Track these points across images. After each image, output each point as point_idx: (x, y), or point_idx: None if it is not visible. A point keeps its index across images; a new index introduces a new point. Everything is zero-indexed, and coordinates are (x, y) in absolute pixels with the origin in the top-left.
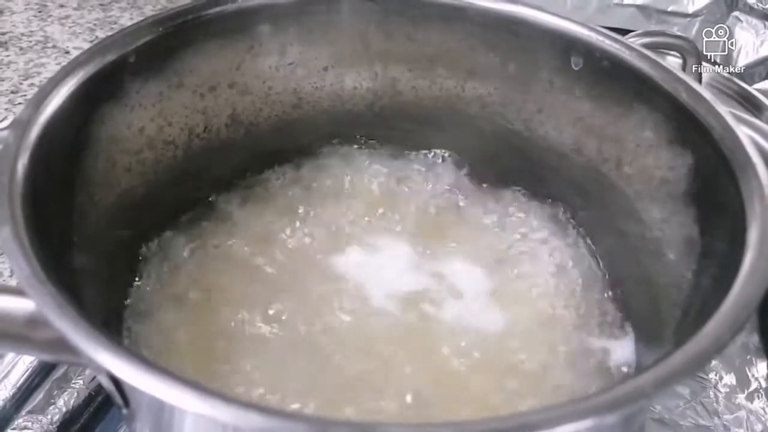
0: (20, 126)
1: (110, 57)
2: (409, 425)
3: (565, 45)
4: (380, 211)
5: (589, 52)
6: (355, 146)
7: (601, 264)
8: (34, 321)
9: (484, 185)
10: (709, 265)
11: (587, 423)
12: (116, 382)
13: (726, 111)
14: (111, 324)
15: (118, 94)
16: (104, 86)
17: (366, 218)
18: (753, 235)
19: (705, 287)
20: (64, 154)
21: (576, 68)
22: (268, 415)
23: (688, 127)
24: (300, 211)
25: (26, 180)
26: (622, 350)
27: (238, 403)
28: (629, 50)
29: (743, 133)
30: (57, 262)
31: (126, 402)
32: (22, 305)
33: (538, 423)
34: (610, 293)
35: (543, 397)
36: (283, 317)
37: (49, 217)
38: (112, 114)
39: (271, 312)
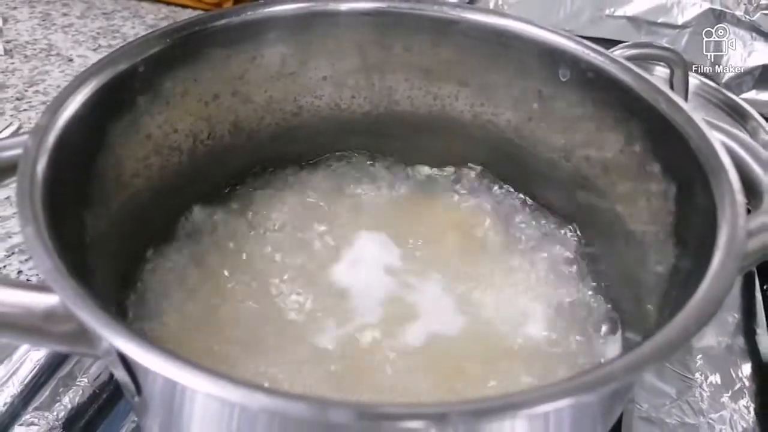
0: (39, 132)
1: (121, 67)
2: (405, 405)
3: (553, 57)
4: (377, 215)
5: (576, 64)
6: (353, 152)
7: (587, 267)
8: (50, 314)
9: (476, 189)
10: (684, 263)
11: (566, 402)
12: (129, 369)
13: (702, 120)
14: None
15: (127, 102)
16: (115, 95)
17: (362, 222)
18: (722, 236)
19: (680, 284)
20: (78, 158)
21: (563, 79)
22: (273, 395)
23: (667, 136)
24: (299, 215)
25: (45, 183)
26: (611, 345)
27: (245, 383)
28: (613, 63)
29: (718, 141)
30: (73, 259)
31: (138, 389)
32: (39, 300)
33: (521, 402)
34: (595, 295)
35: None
36: (282, 316)
37: (64, 217)
38: (122, 121)
39: (270, 307)
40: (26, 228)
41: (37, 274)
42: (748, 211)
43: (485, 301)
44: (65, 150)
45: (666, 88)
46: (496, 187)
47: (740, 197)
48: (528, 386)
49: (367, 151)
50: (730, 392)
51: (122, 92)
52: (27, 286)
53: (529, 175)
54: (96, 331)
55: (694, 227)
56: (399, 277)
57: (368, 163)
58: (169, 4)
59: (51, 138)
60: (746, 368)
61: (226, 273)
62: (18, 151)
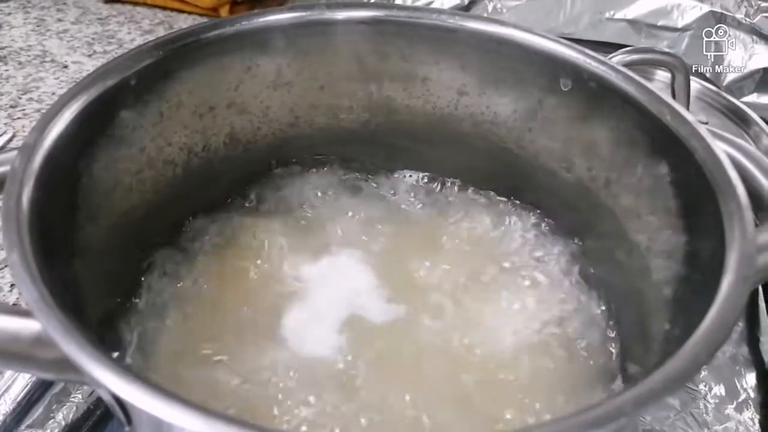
0: (26, 151)
1: (112, 80)
2: None
3: (554, 66)
4: (374, 226)
5: (577, 74)
6: (351, 163)
7: (590, 279)
8: (39, 341)
9: (477, 201)
10: (691, 285)
11: None
12: (119, 402)
13: (707, 132)
14: (109, 336)
15: (119, 116)
16: (106, 109)
17: (361, 232)
18: (731, 257)
19: (686, 306)
20: (67, 177)
21: (565, 89)
22: None
23: (672, 149)
24: (297, 225)
25: (32, 205)
26: (610, 363)
27: (239, 423)
28: (616, 72)
29: (724, 154)
30: (61, 283)
31: (128, 419)
32: (28, 326)
33: None
34: (599, 308)
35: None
36: (281, 323)
37: (53, 239)
38: (113, 136)
39: (263, 328)
40: (11, 254)
41: None
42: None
43: (482, 314)
44: (54, 169)
45: (670, 100)
46: (495, 198)
47: (749, 214)
48: (523, 405)
49: (366, 161)
50: (734, 403)
51: (114, 106)
52: (14, 311)
53: (530, 186)
54: (81, 365)
55: (700, 244)
56: (396, 290)
57: (367, 173)
58: (164, 9)
59: (38, 157)
60: (751, 378)
61: (223, 289)
62: (5, 168)
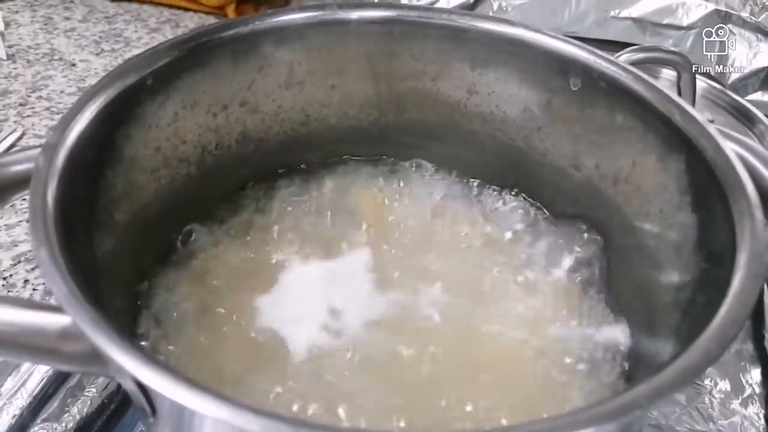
0: (49, 150)
1: (129, 80)
2: None
3: (564, 66)
4: (385, 224)
5: (587, 74)
6: (361, 161)
7: (598, 276)
8: (64, 335)
9: (485, 198)
10: (701, 283)
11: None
12: (145, 392)
13: (716, 131)
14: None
15: (137, 115)
16: (124, 108)
17: (371, 231)
18: (742, 255)
19: (697, 304)
20: (88, 175)
21: (574, 89)
22: (296, 425)
23: (681, 148)
24: (307, 224)
25: (56, 203)
26: (617, 362)
27: (267, 413)
28: (625, 72)
29: (734, 154)
30: (85, 280)
31: (153, 410)
32: (53, 320)
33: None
34: (606, 306)
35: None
36: (287, 324)
37: (76, 236)
38: (131, 135)
39: (276, 322)
40: (40, 251)
41: (44, 283)
42: None
43: (486, 311)
44: (76, 168)
45: (680, 99)
46: (503, 195)
47: (759, 213)
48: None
49: (376, 159)
50: (739, 398)
51: (131, 106)
52: (39, 306)
53: (539, 184)
54: (111, 357)
55: (710, 243)
56: (404, 287)
57: (376, 171)
58: (171, 7)
59: (61, 156)
60: (756, 374)
61: (237, 284)
62: (27, 166)
